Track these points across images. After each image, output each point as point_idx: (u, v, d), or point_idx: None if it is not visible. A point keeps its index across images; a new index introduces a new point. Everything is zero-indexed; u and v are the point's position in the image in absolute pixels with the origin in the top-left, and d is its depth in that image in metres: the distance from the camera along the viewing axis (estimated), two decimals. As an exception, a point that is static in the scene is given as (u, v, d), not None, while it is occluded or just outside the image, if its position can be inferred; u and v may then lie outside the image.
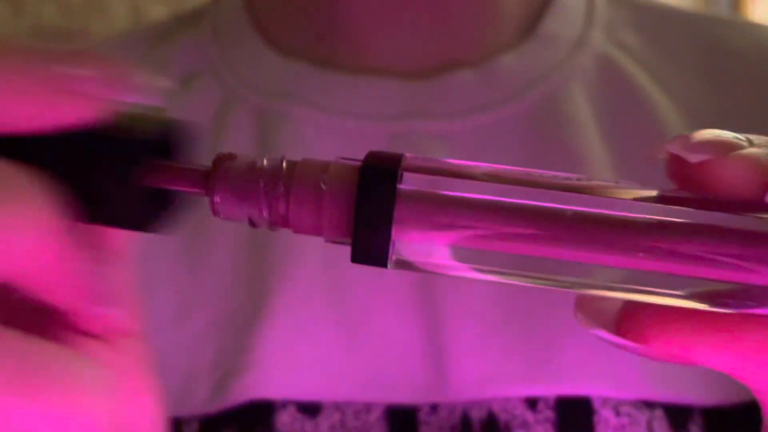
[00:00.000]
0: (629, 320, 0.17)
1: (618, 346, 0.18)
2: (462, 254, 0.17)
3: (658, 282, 0.17)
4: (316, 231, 0.18)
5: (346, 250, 0.32)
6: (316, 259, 0.32)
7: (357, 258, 0.18)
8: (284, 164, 0.18)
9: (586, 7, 0.38)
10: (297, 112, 0.34)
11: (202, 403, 0.30)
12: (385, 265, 0.18)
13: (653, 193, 0.17)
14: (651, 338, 0.17)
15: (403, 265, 0.18)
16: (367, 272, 0.32)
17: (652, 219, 0.16)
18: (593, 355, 0.30)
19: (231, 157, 0.18)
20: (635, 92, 0.35)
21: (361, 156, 0.18)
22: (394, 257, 0.17)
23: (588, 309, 0.18)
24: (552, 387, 0.30)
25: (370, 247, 0.17)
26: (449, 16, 0.35)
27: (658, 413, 0.29)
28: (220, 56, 0.37)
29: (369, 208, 0.17)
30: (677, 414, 0.29)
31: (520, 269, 0.17)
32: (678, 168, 0.17)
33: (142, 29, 0.41)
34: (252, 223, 0.18)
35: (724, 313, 0.17)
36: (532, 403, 0.29)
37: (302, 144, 0.33)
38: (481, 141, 0.34)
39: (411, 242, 0.17)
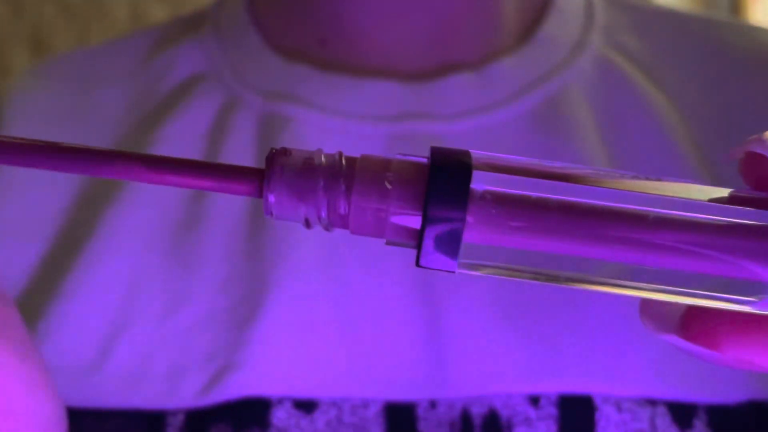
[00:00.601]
0: (699, 325, 0.17)
1: (688, 352, 0.17)
2: (529, 257, 0.16)
3: (729, 286, 0.16)
4: (378, 232, 0.17)
5: (346, 246, 0.32)
6: (314, 255, 0.32)
7: (424, 263, 0.16)
8: (343, 161, 0.17)
9: (585, 10, 0.38)
10: (298, 114, 0.34)
11: (190, 396, 0.30)
12: (453, 271, 0.16)
13: (725, 192, 0.17)
14: (725, 345, 0.17)
15: (469, 268, 0.17)
16: (366, 266, 0.33)
17: (731, 222, 0.16)
18: (596, 352, 0.30)
19: (286, 152, 0.17)
20: (635, 95, 0.36)
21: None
22: (460, 262, 0.16)
23: (653, 312, 0.18)
24: (554, 384, 0.30)
25: (440, 251, 0.16)
26: (449, 20, 0.35)
27: (661, 410, 0.29)
28: (223, 59, 0.37)
29: (440, 209, 0.16)
30: (681, 411, 0.29)
31: (585, 273, 0.16)
32: (756, 167, 0.17)
33: (144, 31, 0.41)
34: (307, 224, 0.17)
35: None
36: (534, 399, 0.29)
37: (303, 146, 0.33)
38: (480, 142, 0.34)
39: (479, 245, 0.16)
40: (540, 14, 0.37)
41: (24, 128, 0.36)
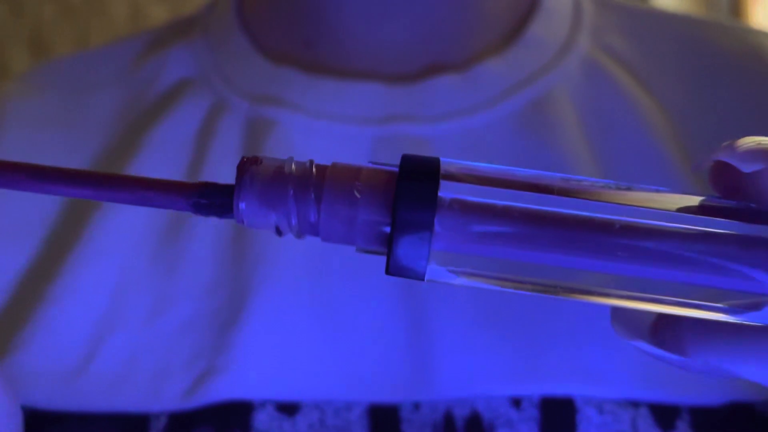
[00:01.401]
0: (668, 332, 0.17)
1: (658, 357, 0.17)
2: (496, 265, 0.17)
3: (696, 293, 0.17)
4: (348, 240, 0.17)
5: (330, 250, 0.33)
6: (298, 258, 0.32)
7: (393, 270, 0.16)
8: (314, 169, 0.17)
9: (573, 11, 0.38)
10: (284, 116, 0.34)
11: (174, 399, 0.30)
12: (422, 278, 0.17)
13: (695, 201, 0.17)
14: (692, 351, 0.17)
15: (438, 276, 0.17)
16: (350, 270, 0.33)
17: (697, 230, 0.16)
18: (577, 354, 0.30)
19: (257, 161, 0.17)
20: (621, 97, 0.36)
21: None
22: (430, 269, 0.16)
23: (623, 319, 0.18)
24: (536, 386, 0.30)
25: (408, 258, 0.16)
26: (434, 21, 0.35)
27: (644, 411, 0.29)
28: (211, 63, 0.37)
29: (408, 217, 0.16)
30: (664, 412, 0.29)
31: (555, 281, 0.17)
32: (725, 176, 0.17)
33: (136, 35, 0.41)
34: (278, 232, 0.17)
35: None
36: (516, 401, 0.30)
37: (289, 149, 0.33)
38: (466, 144, 0.34)
39: (448, 253, 0.16)
40: (527, 15, 0.37)
41: (17, 134, 0.37)
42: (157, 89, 0.37)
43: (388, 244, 0.16)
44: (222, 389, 0.29)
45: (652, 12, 0.41)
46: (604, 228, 0.16)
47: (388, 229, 0.16)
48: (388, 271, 0.17)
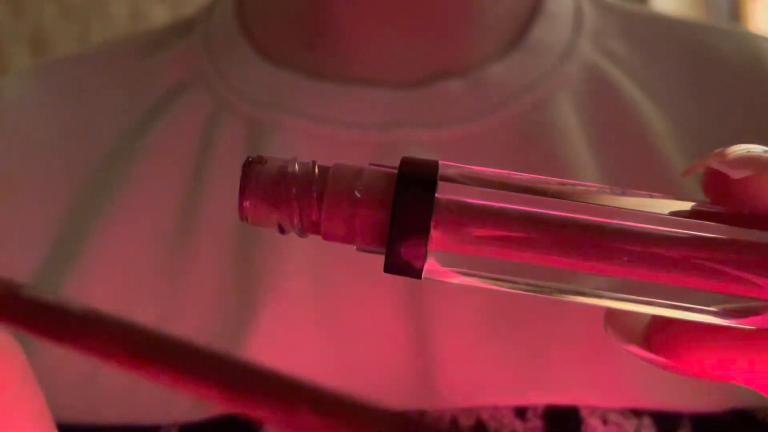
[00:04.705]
0: (660, 336, 0.17)
1: (650, 362, 0.18)
2: (493, 265, 0.17)
3: (689, 297, 0.17)
4: (348, 239, 0.17)
5: (335, 259, 0.32)
6: (304, 269, 0.32)
7: (391, 268, 0.17)
8: (316, 169, 0.17)
9: (575, 15, 0.38)
10: (287, 121, 0.34)
11: (184, 411, 0.29)
12: (419, 277, 0.17)
13: (687, 206, 0.17)
14: (685, 355, 0.17)
15: (436, 275, 0.17)
16: (355, 280, 0.33)
17: (687, 234, 0.16)
18: (581, 364, 0.30)
19: (261, 160, 0.18)
20: (622, 101, 0.35)
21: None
22: (427, 268, 0.17)
23: (617, 324, 0.18)
24: (541, 396, 0.29)
25: (406, 257, 0.17)
26: (438, 26, 0.35)
27: (647, 421, 0.29)
28: (212, 65, 0.37)
29: (406, 217, 0.17)
30: (666, 421, 0.29)
31: (549, 281, 0.17)
32: (716, 183, 0.17)
33: (137, 36, 0.41)
34: (281, 230, 0.18)
35: (761, 332, 0.16)
36: (520, 411, 0.29)
37: (292, 154, 0.33)
38: (470, 150, 0.33)
39: (445, 253, 0.17)
40: (529, 19, 0.37)
41: (17, 132, 0.36)
42: (157, 92, 0.37)
43: (386, 244, 0.17)
44: None
45: (653, 15, 0.41)
46: (597, 230, 0.17)
47: (387, 229, 0.17)
48: (385, 270, 0.17)
